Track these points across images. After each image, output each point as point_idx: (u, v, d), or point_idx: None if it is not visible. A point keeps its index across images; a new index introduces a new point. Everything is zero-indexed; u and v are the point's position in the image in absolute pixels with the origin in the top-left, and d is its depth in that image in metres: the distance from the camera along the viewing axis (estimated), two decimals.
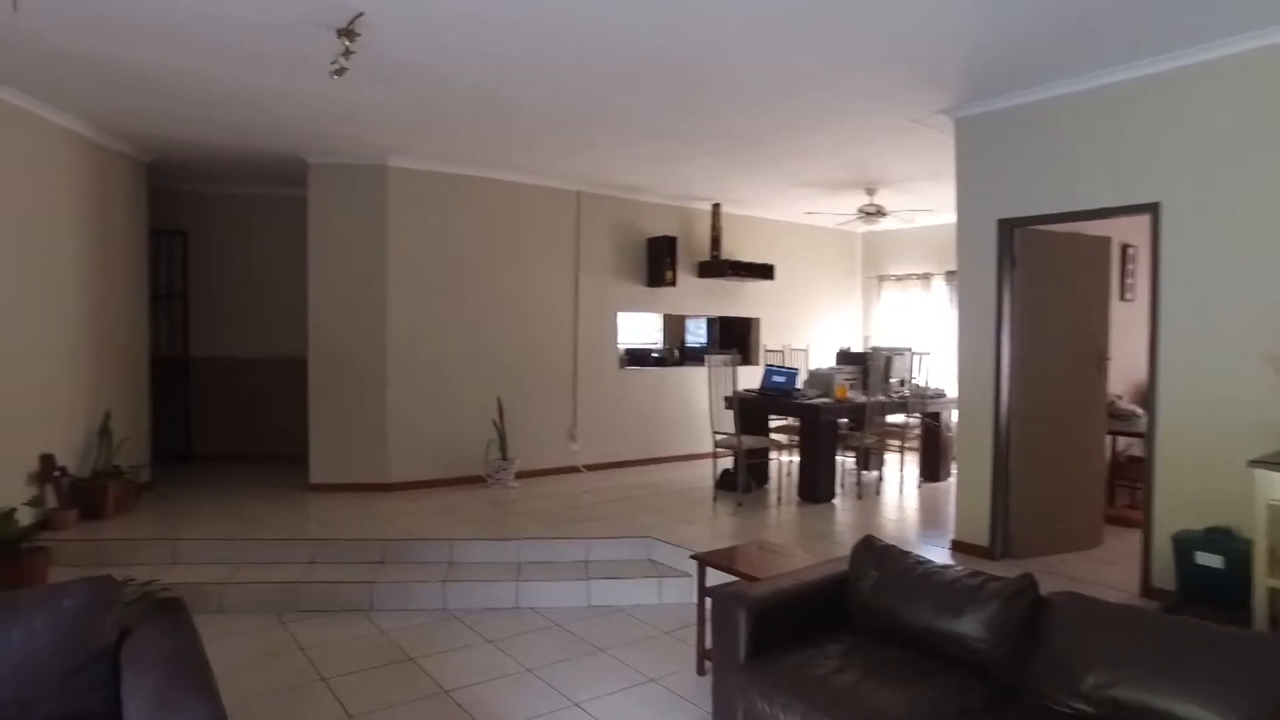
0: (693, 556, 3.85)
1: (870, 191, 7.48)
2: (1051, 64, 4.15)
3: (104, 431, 5.70)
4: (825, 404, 6.46)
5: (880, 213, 7.55)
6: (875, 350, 7.18)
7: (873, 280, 9.90)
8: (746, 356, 8.84)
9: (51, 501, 5.18)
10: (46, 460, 5.18)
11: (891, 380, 7.19)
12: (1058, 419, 4.85)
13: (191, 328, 7.81)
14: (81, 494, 5.33)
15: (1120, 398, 5.99)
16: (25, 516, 4.59)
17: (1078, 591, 2.54)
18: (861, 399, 6.70)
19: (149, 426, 6.65)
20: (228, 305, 7.81)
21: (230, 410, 7.79)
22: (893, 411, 7.02)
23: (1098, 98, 4.27)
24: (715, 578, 3.72)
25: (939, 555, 4.91)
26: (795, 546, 4.83)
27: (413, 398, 6.70)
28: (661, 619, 4.44)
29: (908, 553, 3.07)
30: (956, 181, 5.00)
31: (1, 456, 4.85)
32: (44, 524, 5.10)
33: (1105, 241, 5.05)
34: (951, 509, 6.20)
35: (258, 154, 6.29)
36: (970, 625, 2.57)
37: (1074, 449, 4.93)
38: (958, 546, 4.98)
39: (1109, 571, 4.55)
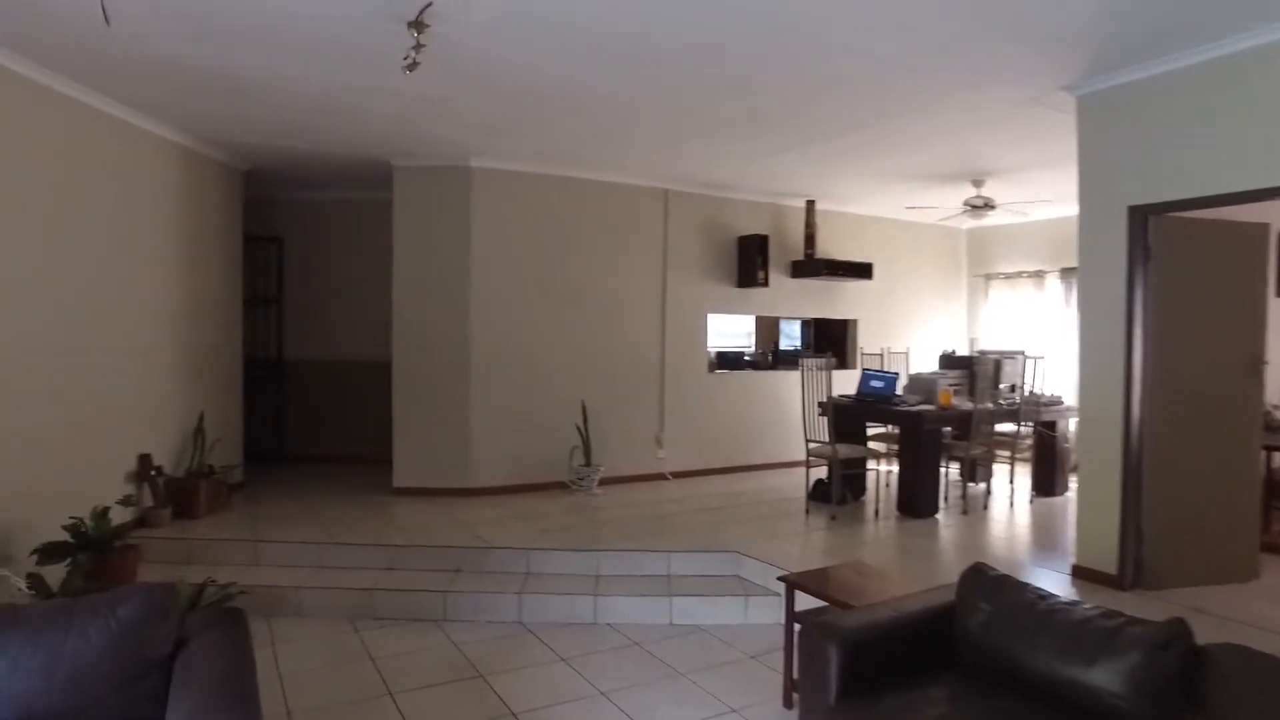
0: (781, 578, 3.54)
1: (977, 183, 6.94)
2: (1198, 23, 3.61)
3: (198, 432, 5.83)
4: (928, 411, 6.00)
5: (989, 205, 7.00)
6: (983, 354, 6.64)
7: (979, 279, 9.26)
8: (842, 360, 8.40)
9: (147, 500, 5.31)
10: (144, 459, 5.32)
11: (1001, 386, 6.64)
12: (1201, 430, 4.27)
13: (285, 331, 7.99)
14: (175, 493, 5.45)
15: (1279, 408, 5.30)
16: (117, 514, 4.68)
17: (1246, 646, 2.10)
18: (968, 406, 6.20)
19: (242, 428, 6.80)
20: (321, 309, 7.95)
21: (322, 413, 7.92)
22: (1002, 420, 6.47)
23: (1259, 58, 3.67)
24: (805, 600, 3.40)
25: (1058, 582, 4.42)
26: (894, 568, 4.45)
27: (496, 401, 6.61)
28: (747, 641, 4.14)
29: (1025, 584, 2.68)
30: (1079, 166, 4.48)
31: (103, 455, 5.02)
32: (141, 521, 5.25)
33: (1262, 229, 4.42)
34: (1070, 528, 5.66)
35: (344, 158, 6.33)
36: (1105, 677, 2.17)
37: (1221, 465, 4.32)
38: (1080, 573, 4.45)
39: (1271, 611, 3.93)
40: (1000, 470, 6.99)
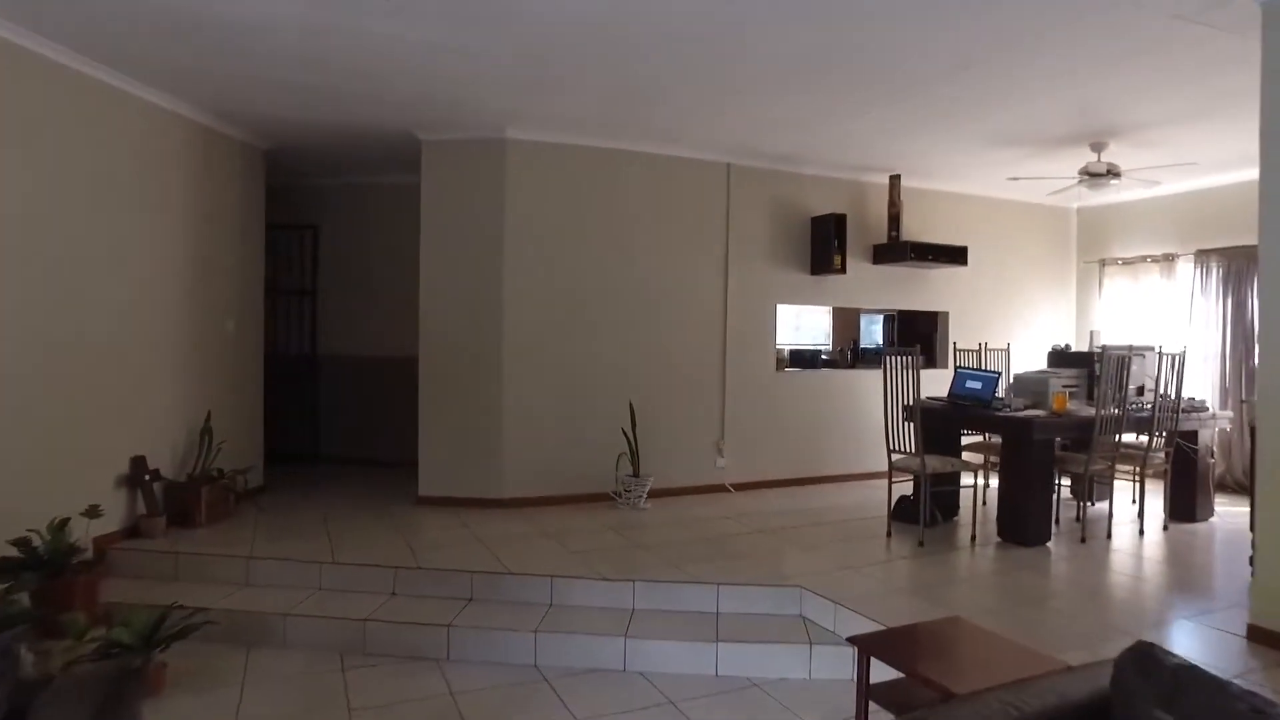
0: (851, 640, 2.68)
1: (1097, 147, 5.84)
2: None
3: (204, 432, 5.30)
4: (1038, 417, 4.99)
5: (1111, 173, 5.88)
6: (1105, 350, 5.56)
7: (1091, 265, 8.07)
8: (931, 358, 7.39)
9: (141, 508, 4.81)
10: (137, 462, 4.81)
11: (1129, 388, 5.54)
12: None
13: (320, 325, 7.49)
14: (173, 499, 4.93)
15: None
16: (99, 525, 4.17)
17: None
18: (1088, 411, 5.16)
19: (263, 427, 6.27)
20: (358, 302, 7.41)
21: (356, 412, 7.39)
22: (1131, 429, 5.39)
23: None
24: (884, 668, 2.54)
25: (1226, 647, 3.40)
26: (1002, 621, 3.51)
27: (532, 402, 5.89)
28: (810, 703, 3.29)
29: (1225, 683, 1.76)
30: (1263, 96, 3.40)
31: (92, 457, 4.52)
32: (134, 531, 4.75)
33: None
34: (1223, 565, 4.63)
35: (367, 130, 5.70)
36: None
37: None
38: (1259, 636, 3.38)
39: None
40: (1122, 488, 5.88)
